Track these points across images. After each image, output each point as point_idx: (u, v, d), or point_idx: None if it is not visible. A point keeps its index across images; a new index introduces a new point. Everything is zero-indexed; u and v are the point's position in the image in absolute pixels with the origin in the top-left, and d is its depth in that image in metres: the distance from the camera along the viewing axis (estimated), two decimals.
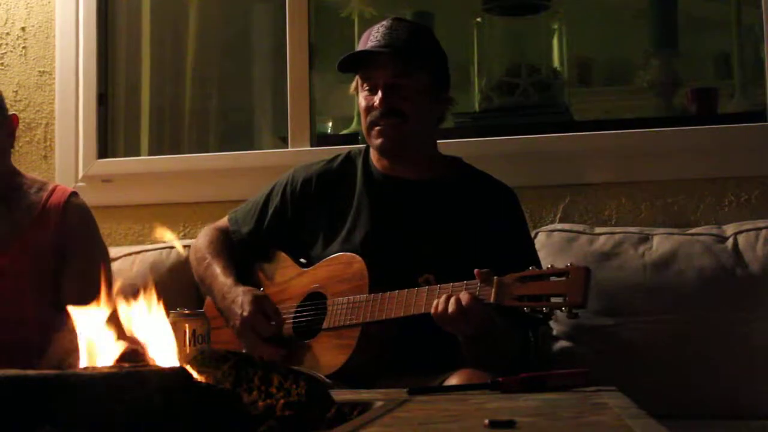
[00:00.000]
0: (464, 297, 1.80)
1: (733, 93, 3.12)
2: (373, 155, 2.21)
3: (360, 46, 2.15)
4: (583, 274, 1.71)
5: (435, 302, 1.83)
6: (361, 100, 2.14)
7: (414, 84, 2.09)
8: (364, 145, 2.25)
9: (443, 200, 2.14)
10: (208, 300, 2.26)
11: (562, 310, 1.72)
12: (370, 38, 2.11)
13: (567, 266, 1.74)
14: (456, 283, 1.86)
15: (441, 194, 2.15)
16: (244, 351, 2.09)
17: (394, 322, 1.94)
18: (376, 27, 2.14)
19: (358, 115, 3.06)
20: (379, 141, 2.11)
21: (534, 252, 2.20)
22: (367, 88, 2.12)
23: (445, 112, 2.23)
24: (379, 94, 2.08)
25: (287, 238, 2.23)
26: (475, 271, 1.82)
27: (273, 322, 2.07)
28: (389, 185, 2.17)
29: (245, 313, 2.05)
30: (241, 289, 2.11)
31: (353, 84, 2.20)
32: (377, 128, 2.10)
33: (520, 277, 1.77)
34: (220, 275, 2.17)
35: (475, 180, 2.20)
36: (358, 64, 2.14)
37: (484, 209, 2.13)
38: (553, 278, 1.74)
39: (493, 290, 1.78)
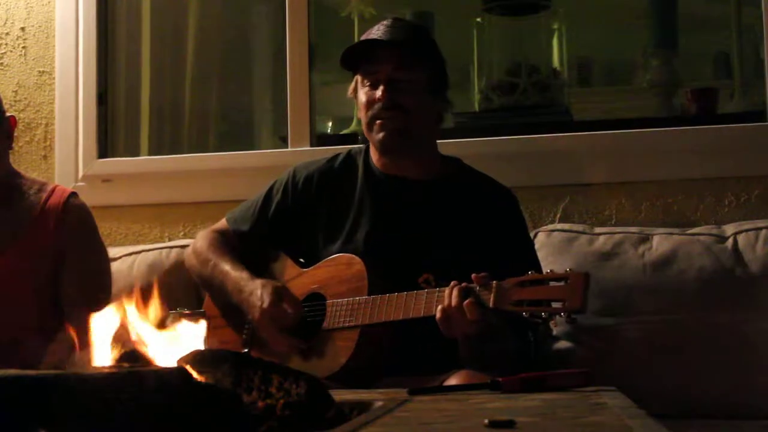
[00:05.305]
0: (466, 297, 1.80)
1: (733, 93, 3.12)
2: (374, 154, 2.21)
3: None
4: (582, 280, 1.71)
5: (439, 307, 1.83)
6: (362, 96, 2.14)
7: (415, 78, 2.10)
8: (365, 144, 2.25)
9: (445, 200, 2.15)
10: (207, 300, 2.26)
11: (560, 315, 1.72)
12: (371, 35, 2.13)
13: (566, 271, 1.74)
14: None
15: (442, 194, 2.15)
16: (245, 350, 2.09)
17: (393, 324, 1.94)
18: (376, 26, 2.15)
19: (358, 116, 3.07)
20: (380, 135, 2.11)
21: (534, 254, 2.20)
22: (368, 83, 2.12)
23: (444, 113, 2.23)
24: (381, 87, 2.09)
25: (288, 236, 2.23)
26: (473, 276, 1.81)
27: (292, 313, 2.06)
28: (390, 184, 2.17)
29: (265, 305, 2.03)
30: (259, 281, 2.09)
31: (351, 86, 2.20)
32: (378, 122, 2.10)
33: (519, 282, 1.76)
34: (231, 271, 2.16)
35: (476, 181, 2.21)
36: (358, 61, 2.14)
37: (484, 210, 2.13)
38: (552, 283, 1.74)
39: (492, 295, 1.78)
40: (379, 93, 2.09)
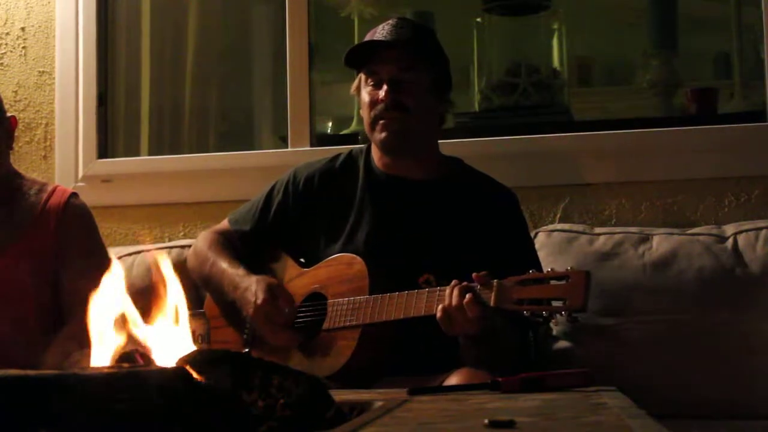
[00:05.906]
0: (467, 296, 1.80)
1: (733, 93, 3.12)
2: (375, 154, 2.21)
3: None
4: (584, 278, 1.70)
5: (440, 306, 1.83)
6: (365, 96, 2.14)
7: (418, 79, 2.10)
8: (366, 144, 2.26)
9: (445, 201, 2.15)
10: (207, 300, 2.26)
11: (562, 314, 1.71)
12: (376, 35, 2.13)
13: (567, 270, 1.74)
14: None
15: (443, 194, 2.15)
16: (245, 350, 2.09)
17: (394, 323, 1.94)
18: (381, 25, 2.15)
19: (359, 115, 3.07)
20: (382, 135, 2.11)
21: (534, 254, 2.20)
22: (371, 83, 2.13)
23: (446, 114, 2.24)
24: (384, 87, 2.09)
25: (289, 236, 2.23)
26: (473, 275, 1.81)
27: (286, 310, 2.06)
28: (391, 184, 2.17)
29: (258, 301, 2.04)
30: (254, 278, 2.10)
31: (354, 83, 2.20)
32: (381, 122, 2.11)
33: (520, 280, 1.76)
34: (228, 268, 2.16)
35: (477, 181, 2.21)
36: (363, 60, 2.14)
37: (485, 211, 2.13)
38: (553, 282, 1.74)
39: (493, 294, 1.78)
40: (382, 93, 2.09)
